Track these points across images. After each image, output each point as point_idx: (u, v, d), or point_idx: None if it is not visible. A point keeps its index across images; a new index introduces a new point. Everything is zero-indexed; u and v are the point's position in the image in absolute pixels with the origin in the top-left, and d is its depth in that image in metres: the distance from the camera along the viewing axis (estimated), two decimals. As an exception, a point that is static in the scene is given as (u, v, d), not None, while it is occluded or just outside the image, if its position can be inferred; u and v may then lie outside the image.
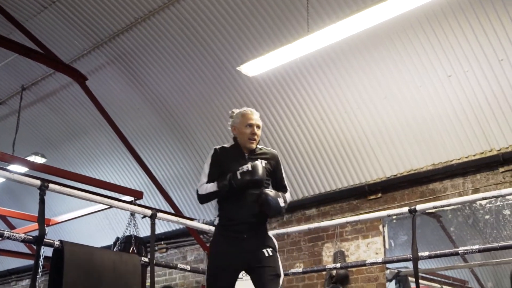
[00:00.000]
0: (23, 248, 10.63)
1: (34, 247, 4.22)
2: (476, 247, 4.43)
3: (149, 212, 5.06)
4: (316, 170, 7.69)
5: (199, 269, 6.15)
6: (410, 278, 6.92)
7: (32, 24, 8.22)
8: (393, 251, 6.97)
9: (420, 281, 4.49)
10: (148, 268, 4.97)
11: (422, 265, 5.92)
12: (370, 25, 5.43)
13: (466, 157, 6.61)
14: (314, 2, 6.41)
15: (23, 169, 7.49)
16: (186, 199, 9.14)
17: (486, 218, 6.43)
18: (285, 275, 6.80)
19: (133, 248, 6.47)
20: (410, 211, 4.70)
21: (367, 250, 7.17)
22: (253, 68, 6.56)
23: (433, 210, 6.13)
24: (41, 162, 9.44)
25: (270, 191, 3.79)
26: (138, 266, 4.67)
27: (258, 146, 3.98)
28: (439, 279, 7.04)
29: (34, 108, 9.84)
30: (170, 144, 8.84)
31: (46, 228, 4.12)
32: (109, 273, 4.35)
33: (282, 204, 3.82)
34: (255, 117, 3.97)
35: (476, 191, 6.44)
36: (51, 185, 4.27)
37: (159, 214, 5.16)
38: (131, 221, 6.68)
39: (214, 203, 3.91)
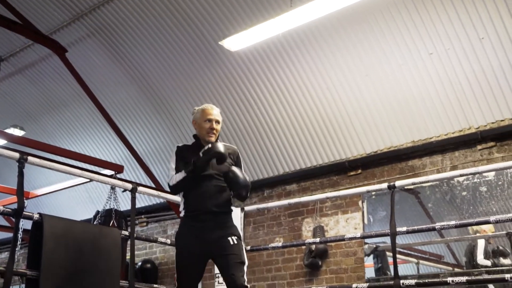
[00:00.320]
0: (1, 221, 10.57)
1: (13, 219, 4.19)
2: (453, 222, 4.51)
3: (129, 186, 5.05)
4: (297, 146, 7.72)
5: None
6: (387, 253, 7.03)
7: (10, -6, 8.05)
8: (372, 227, 7.07)
9: (398, 255, 4.56)
10: (129, 242, 4.97)
11: (399, 240, 6.01)
12: (353, 2, 5.42)
13: (445, 135, 6.69)
14: (298, -23, 6.36)
15: (2, 142, 7.43)
16: (166, 173, 9.14)
17: (463, 195, 6.53)
18: (265, 249, 6.88)
19: (113, 222, 6.49)
20: (389, 187, 4.75)
21: (346, 225, 7.25)
22: (235, 42, 6.52)
23: (411, 187, 6.22)
24: (20, 134, 9.35)
25: (236, 168, 3.97)
26: (118, 240, 4.67)
27: (219, 141, 4.10)
28: (416, 254, 7.16)
29: (12, 80, 9.69)
30: (151, 118, 8.80)
31: (25, 201, 4.10)
32: (89, 246, 4.35)
33: (248, 179, 3.98)
34: (214, 112, 4.10)
35: (454, 168, 6.54)
36: (30, 158, 4.23)
37: (140, 188, 5.16)
38: (111, 195, 6.68)
39: (180, 196, 4.05)
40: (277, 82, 7.42)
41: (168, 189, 4.12)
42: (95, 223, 6.58)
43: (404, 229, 4.58)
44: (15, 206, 4.03)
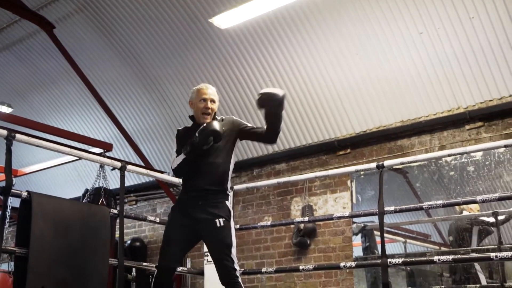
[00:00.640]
0: (-10, 199, 10.53)
1: (1, 197, 4.18)
2: (440, 202, 4.55)
3: (118, 164, 5.03)
4: (286, 125, 7.72)
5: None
6: (375, 232, 7.09)
7: (-4, -32, 7.91)
8: (360, 206, 7.11)
9: (385, 234, 4.60)
10: (117, 220, 4.98)
11: (387, 219, 6.05)
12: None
13: (434, 115, 6.71)
14: (288, -46, 6.30)
15: (-11, 119, 7.34)
16: (156, 152, 9.12)
17: (450, 175, 6.58)
18: (254, 228, 6.92)
19: (102, 200, 6.49)
20: (377, 166, 4.78)
21: (334, 204, 7.29)
22: (225, 20, 6.48)
23: (400, 166, 6.26)
24: (8, 112, 9.28)
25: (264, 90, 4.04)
26: (107, 218, 4.67)
27: (217, 118, 4.12)
28: (403, 233, 7.23)
29: (-1, 56, 9.60)
30: (140, 96, 8.75)
31: (13, 179, 4.08)
32: (78, 224, 4.34)
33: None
34: (209, 91, 4.08)
35: (442, 148, 6.57)
36: (18, 135, 4.19)
37: (129, 167, 5.15)
38: (100, 173, 6.67)
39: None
40: (267, 60, 7.39)
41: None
42: (84, 201, 6.57)
43: (392, 208, 4.62)
44: (3, 184, 4.01)
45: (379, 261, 4.55)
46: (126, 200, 9.38)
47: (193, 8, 7.36)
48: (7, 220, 4.03)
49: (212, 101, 4.06)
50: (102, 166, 6.57)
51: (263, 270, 5.31)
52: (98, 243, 4.48)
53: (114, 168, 5.16)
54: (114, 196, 6.74)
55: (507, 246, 6.00)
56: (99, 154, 6.96)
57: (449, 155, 4.99)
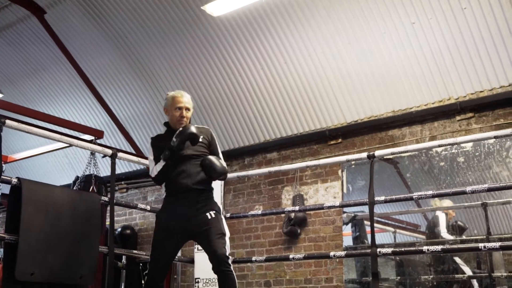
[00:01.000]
0: (-21, 185, 10.48)
1: (-9, 184, 4.16)
2: (430, 192, 4.57)
3: (109, 151, 5.03)
4: (278, 113, 7.72)
5: (159, 209, 6.19)
6: (365, 222, 7.13)
7: (-14, -48, 7.84)
8: (351, 196, 7.14)
9: (375, 224, 4.64)
10: (108, 208, 4.97)
11: (377, 209, 6.08)
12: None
13: (425, 105, 6.73)
14: None
15: (-21, 105, 7.28)
16: (147, 140, 9.08)
17: (441, 165, 6.61)
18: (245, 216, 6.93)
19: (93, 188, 6.47)
20: (368, 156, 4.79)
21: (325, 194, 7.31)
22: (217, 7, 6.46)
23: (391, 156, 6.27)
24: (-2, 98, 9.21)
25: (212, 156, 4.10)
26: (98, 205, 4.67)
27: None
28: (393, 223, 7.27)
29: (-11, 42, 9.50)
30: (132, 83, 8.71)
31: (3, 165, 4.06)
32: (68, 211, 4.34)
33: (224, 165, 4.12)
34: (185, 99, 4.16)
35: (433, 138, 6.60)
36: (8, 121, 4.17)
37: (120, 154, 5.14)
38: (91, 160, 6.64)
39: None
40: (259, 49, 7.37)
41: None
42: (74, 188, 6.55)
43: (382, 198, 4.64)
44: (-8, 170, 3.99)
45: (368, 250, 4.57)
46: (117, 188, 9.36)
47: (185, -4, 7.32)
48: (-4, 207, 4.00)
49: (187, 109, 4.15)
50: (93, 153, 6.55)
51: (253, 258, 5.34)
52: (89, 230, 4.48)
53: (105, 156, 5.16)
54: (105, 183, 6.72)
55: (495, 237, 6.05)
56: (90, 141, 6.94)
57: (439, 146, 5.02)
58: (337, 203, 5.82)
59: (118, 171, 8.91)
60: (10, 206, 4.10)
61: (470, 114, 6.43)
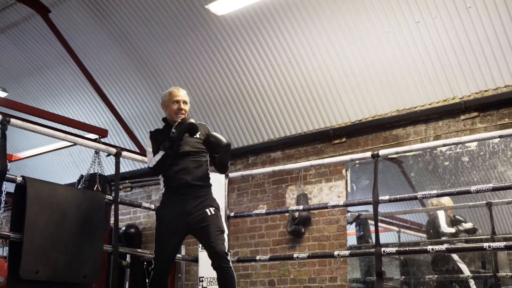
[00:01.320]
0: (-16, 184, 10.48)
1: (-4, 182, 4.16)
2: (434, 192, 4.55)
3: (113, 150, 5.03)
4: (282, 113, 7.71)
5: (158, 206, 6.19)
6: (370, 221, 7.12)
7: (-9, -49, 7.85)
8: (355, 195, 7.13)
9: (379, 224, 4.62)
10: (112, 206, 4.97)
11: (382, 208, 6.05)
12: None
13: (429, 104, 6.71)
14: None
15: (-16, 103, 7.30)
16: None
17: (445, 165, 6.60)
18: (249, 216, 6.92)
19: (97, 186, 6.48)
20: (373, 156, 4.78)
21: (329, 193, 7.31)
22: (222, 6, 6.46)
23: (395, 156, 6.25)
24: (3, 96, 9.23)
25: (214, 133, 4.26)
26: (102, 204, 4.67)
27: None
28: (397, 222, 7.25)
29: (-6, 40, 9.52)
30: (136, 81, 8.71)
31: (8, 164, 4.07)
32: (73, 210, 4.34)
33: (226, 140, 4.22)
34: (181, 93, 4.29)
35: (437, 137, 6.58)
36: (12, 120, 4.18)
37: (124, 153, 5.14)
38: (95, 159, 6.65)
39: (160, 175, 4.24)
40: (263, 48, 7.36)
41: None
42: (79, 187, 6.56)
43: (387, 197, 4.63)
44: (-3, 169, 3.99)
45: (373, 250, 4.56)
46: (121, 187, 9.37)
47: (189, -6, 7.32)
48: (1, 205, 4.01)
49: (185, 102, 4.26)
50: (97, 152, 6.55)
51: (258, 258, 5.32)
52: (93, 229, 4.48)
53: (109, 154, 5.16)
54: (109, 182, 6.74)
55: (500, 237, 6.04)
56: (94, 140, 6.96)
57: (444, 145, 5.00)
58: (341, 202, 5.81)
59: (122, 169, 8.90)
60: (15, 204, 4.10)
61: (475, 114, 6.41)
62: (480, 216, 6.51)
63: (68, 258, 4.22)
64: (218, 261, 3.92)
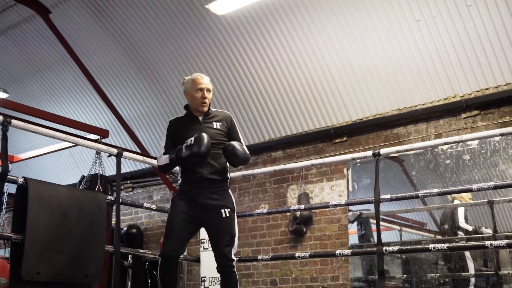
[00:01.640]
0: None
1: (-3, 183, 4.16)
2: (435, 190, 4.55)
3: (115, 151, 5.03)
4: (283, 112, 7.71)
5: (165, 208, 6.19)
6: (371, 220, 7.11)
7: (-9, -48, 7.86)
8: (356, 194, 7.13)
9: (381, 223, 4.62)
10: (114, 207, 4.98)
11: (383, 207, 6.08)
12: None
13: (430, 103, 6.71)
14: None
15: (-15, 105, 7.29)
16: (152, 138, 9.11)
17: (446, 163, 6.59)
18: (250, 215, 6.93)
19: (98, 187, 6.47)
20: (374, 154, 4.78)
21: (331, 192, 7.30)
22: (222, 6, 6.45)
23: (396, 154, 6.27)
24: (4, 97, 9.23)
25: (235, 142, 4.05)
26: (104, 204, 4.67)
27: (211, 108, 4.18)
28: (399, 221, 7.25)
29: (-6, 42, 9.53)
30: (137, 82, 8.72)
31: (9, 165, 4.07)
32: (74, 211, 4.34)
33: (247, 151, 4.08)
34: (205, 81, 4.12)
35: (438, 136, 6.58)
36: (14, 121, 4.18)
37: (125, 153, 5.15)
38: (96, 160, 6.64)
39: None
40: (264, 47, 7.36)
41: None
42: (80, 188, 6.56)
43: (388, 196, 4.63)
44: (-1, 170, 4.00)
45: (374, 249, 4.56)
46: (122, 187, 9.37)
47: (190, -6, 7.32)
48: (3, 206, 4.01)
49: (208, 90, 4.12)
50: (98, 152, 6.54)
51: (259, 257, 5.33)
52: (95, 229, 4.49)
53: (110, 155, 5.16)
54: (110, 182, 6.73)
55: (502, 235, 6.04)
56: (96, 141, 6.94)
57: (445, 144, 5.00)
58: (343, 202, 5.80)
59: (123, 170, 8.93)
60: (17, 205, 4.11)
61: (476, 112, 6.41)
62: (482, 214, 6.51)
63: (70, 258, 4.22)
64: (224, 266, 3.91)
